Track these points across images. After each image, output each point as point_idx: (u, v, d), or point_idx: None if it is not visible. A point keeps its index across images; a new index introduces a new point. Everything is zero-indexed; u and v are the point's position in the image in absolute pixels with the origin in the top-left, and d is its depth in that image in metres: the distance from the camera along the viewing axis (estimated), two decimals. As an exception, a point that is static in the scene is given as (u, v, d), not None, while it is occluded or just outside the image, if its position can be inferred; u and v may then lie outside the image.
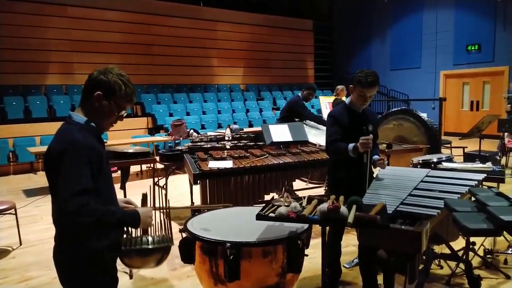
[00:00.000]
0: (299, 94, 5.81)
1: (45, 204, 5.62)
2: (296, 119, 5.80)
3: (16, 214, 4.15)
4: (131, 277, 3.33)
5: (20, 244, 4.17)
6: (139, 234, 1.72)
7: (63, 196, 1.44)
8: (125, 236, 1.72)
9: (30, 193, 6.48)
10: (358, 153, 2.58)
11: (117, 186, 2.82)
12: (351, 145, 2.62)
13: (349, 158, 2.65)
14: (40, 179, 7.57)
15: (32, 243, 4.21)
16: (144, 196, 1.86)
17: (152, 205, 1.94)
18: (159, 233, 1.78)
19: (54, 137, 1.59)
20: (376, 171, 2.83)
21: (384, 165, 2.80)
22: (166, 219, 1.86)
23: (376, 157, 2.82)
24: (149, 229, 1.74)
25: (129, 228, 1.72)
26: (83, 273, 1.59)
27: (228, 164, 3.75)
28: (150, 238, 1.70)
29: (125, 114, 1.73)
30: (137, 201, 1.91)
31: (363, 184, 2.59)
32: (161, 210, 1.94)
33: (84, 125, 1.61)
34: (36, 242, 4.21)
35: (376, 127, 2.97)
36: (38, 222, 4.90)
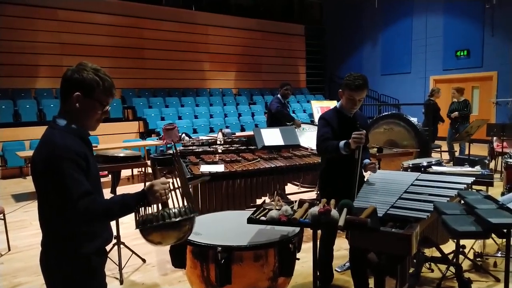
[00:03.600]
0: (278, 94, 6.01)
1: (34, 209, 5.53)
2: (288, 123, 5.84)
3: (4, 219, 4.09)
4: (121, 282, 3.30)
5: (9, 249, 4.11)
6: (160, 209, 1.63)
7: (70, 206, 1.45)
8: (146, 212, 1.63)
9: (19, 198, 6.39)
10: (350, 149, 2.58)
11: (107, 191, 2.81)
12: (342, 142, 2.62)
13: (340, 155, 2.65)
14: (29, 184, 7.48)
15: (20, 248, 4.15)
16: (154, 169, 1.81)
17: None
18: (182, 205, 1.69)
19: (38, 143, 1.56)
20: (367, 175, 2.85)
21: (375, 169, 2.82)
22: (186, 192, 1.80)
23: (367, 161, 2.84)
24: (168, 201, 1.65)
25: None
26: (70, 278, 1.58)
27: (219, 168, 3.74)
28: (173, 211, 1.61)
29: (109, 109, 1.68)
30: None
31: (353, 181, 2.60)
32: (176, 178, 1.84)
33: (67, 128, 1.57)
34: (25, 248, 4.15)
35: (367, 131, 2.99)
36: (27, 228, 4.84)
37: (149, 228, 1.58)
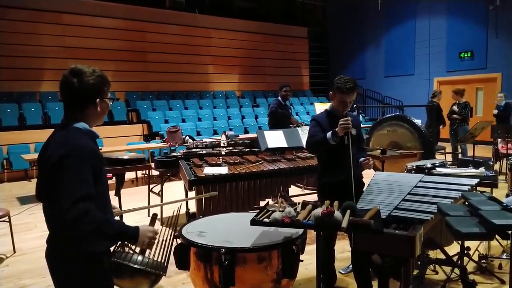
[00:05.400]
0: (279, 97, 6.05)
1: (39, 211, 5.55)
2: (291, 125, 5.85)
3: (10, 221, 4.11)
4: (125, 284, 3.31)
5: (14, 252, 4.13)
6: (136, 251, 1.71)
7: (65, 204, 1.43)
8: (119, 248, 1.72)
9: (24, 200, 6.43)
10: (338, 137, 2.66)
11: (112, 193, 2.82)
12: (329, 132, 2.70)
13: (330, 146, 2.71)
14: (34, 187, 7.50)
15: (25, 251, 4.17)
16: (154, 216, 1.83)
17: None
18: (156, 259, 1.74)
19: (55, 142, 1.59)
20: (368, 177, 2.84)
21: (370, 165, 2.84)
22: (168, 246, 1.84)
23: (362, 158, 2.86)
24: (148, 251, 1.72)
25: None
26: (74, 278, 1.59)
27: (223, 170, 3.75)
28: (140, 258, 1.66)
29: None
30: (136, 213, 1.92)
31: (348, 167, 2.62)
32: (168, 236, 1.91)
33: (83, 130, 1.63)
34: (30, 250, 4.17)
35: (359, 130, 3.02)
36: (32, 230, 4.87)
37: (115, 264, 1.64)
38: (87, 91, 1.62)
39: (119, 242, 1.72)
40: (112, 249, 1.72)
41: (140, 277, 1.65)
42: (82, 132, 1.62)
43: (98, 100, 1.65)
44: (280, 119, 5.90)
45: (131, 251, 1.69)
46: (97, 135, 1.70)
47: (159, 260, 1.75)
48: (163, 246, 1.82)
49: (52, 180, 1.53)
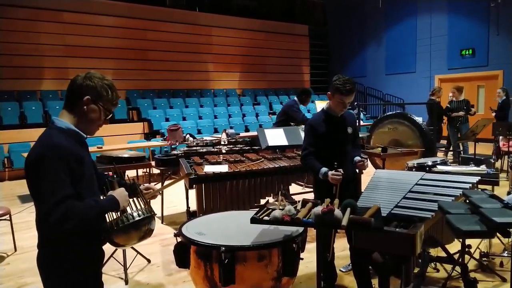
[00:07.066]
0: (295, 98, 5.82)
1: (40, 210, 5.58)
2: (292, 123, 5.82)
3: (11, 220, 4.13)
4: (126, 282, 3.32)
5: (15, 250, 4.15)
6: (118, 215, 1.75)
7: (45, 208, 1.46)
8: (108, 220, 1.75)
9: (25, 199, 6.43)
10: (327, 181, 2.67)
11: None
12: (323, 170, 2.71)
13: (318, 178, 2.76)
14: (35, 185, 7.51)
15: (26, 249, 4.18)
16: (111, 182, 1.87)
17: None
18: (139, 207, 1.83)
19: (36, 142, 1.59)
20: (369, 175, 2.83)
21: (365, 166, 2.84)
22: (140, 196, 1.90)
23: (357, 158, 2.87)
24: (127, 208, 1.79)
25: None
26: (65, 278, 1.61)
27: (223, 168, 3.75)
28: (135, 213, 1.76)
29: (109, 117, 1.76)
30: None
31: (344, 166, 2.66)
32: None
33: (65, 130, 1.61)
34: (31, 248, 4.17)
35: (355, 128, 3.02)
36: (32, 228, 4.83)
37: (118, 230, 1.71)
38: (84, 86, 1.63)
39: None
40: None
41: (134, 229, 1.75)
42: (62, 131, 1.60)
43: (89, 98, 1.62)
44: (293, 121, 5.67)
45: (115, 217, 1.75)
46: (81, 135, 1.66)
47: (142, 207, 1.84)
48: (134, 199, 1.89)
49: (30, 181, 1.55)
